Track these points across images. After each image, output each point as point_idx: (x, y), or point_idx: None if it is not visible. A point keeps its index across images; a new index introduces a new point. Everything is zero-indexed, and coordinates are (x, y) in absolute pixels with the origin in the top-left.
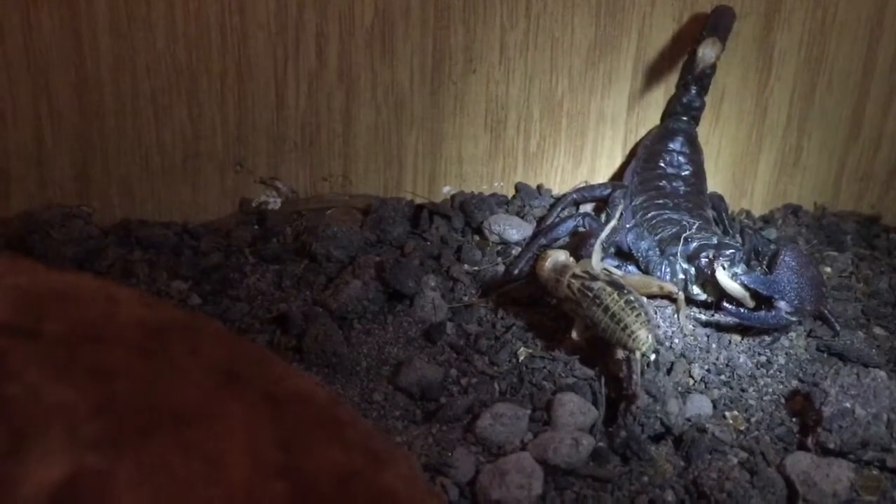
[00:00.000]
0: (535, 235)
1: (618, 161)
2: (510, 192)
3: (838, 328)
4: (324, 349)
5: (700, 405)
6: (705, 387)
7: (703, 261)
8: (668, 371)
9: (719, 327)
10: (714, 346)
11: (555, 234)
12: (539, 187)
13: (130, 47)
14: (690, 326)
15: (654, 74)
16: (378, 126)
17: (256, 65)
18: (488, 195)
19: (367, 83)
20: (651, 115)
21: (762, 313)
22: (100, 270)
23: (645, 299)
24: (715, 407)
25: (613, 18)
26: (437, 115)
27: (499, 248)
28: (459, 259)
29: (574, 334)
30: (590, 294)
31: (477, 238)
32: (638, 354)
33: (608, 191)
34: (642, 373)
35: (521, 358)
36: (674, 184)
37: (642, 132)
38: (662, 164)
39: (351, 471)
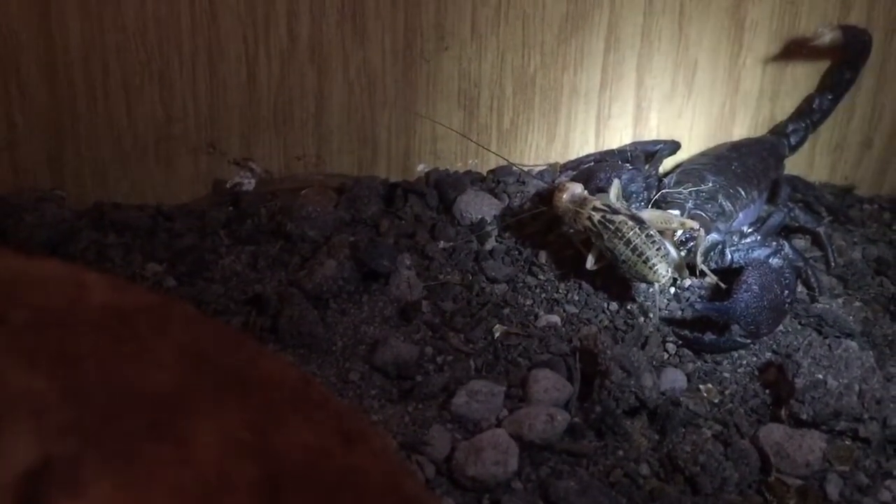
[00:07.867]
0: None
1: (591, 136)
2: (485, 170)
3: (818, 294)
4: (299, 330)
5: (674, 379)
6: (679, 360)
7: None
8: (643, 345)
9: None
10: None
11: (593, 178)
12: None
13: (99, 27)
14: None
15: (626, 49)
16: (351, 105)
17: (227, 45)
18: (463, 173)
19: (339, 62)
20: (623, 89)
21: (714, 339)
22: (74, 254)
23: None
24: (689, 380)
25: None
26: (410, 93)
27: (471, 226)
28: (434, 237)
29: (588, 263)
30: (611, 226)
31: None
32: (656, 286)
33: (659, 146)
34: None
35: (497, 335)
36: (736, 162)
37: (615, 107)
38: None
39: (321, 451)
